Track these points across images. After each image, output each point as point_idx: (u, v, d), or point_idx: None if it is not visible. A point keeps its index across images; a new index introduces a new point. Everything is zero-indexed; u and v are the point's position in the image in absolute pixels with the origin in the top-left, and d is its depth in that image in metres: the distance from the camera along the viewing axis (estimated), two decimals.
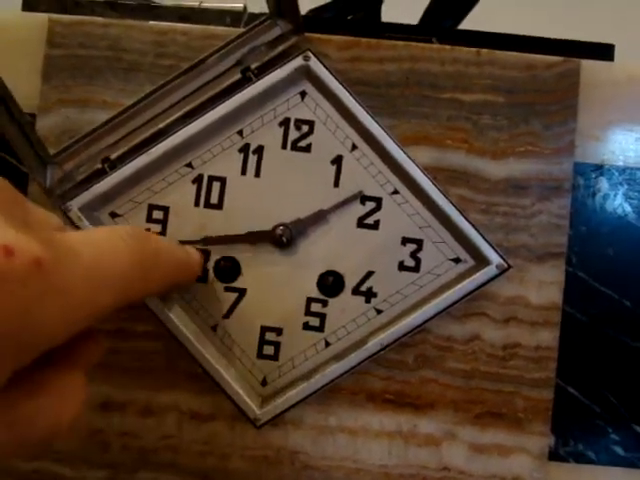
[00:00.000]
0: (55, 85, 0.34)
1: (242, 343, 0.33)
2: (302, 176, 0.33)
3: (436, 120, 0.34)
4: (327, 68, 0.33)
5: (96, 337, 0.22)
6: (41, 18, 0.34)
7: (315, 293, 0.33)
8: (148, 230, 0.33)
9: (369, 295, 0.33)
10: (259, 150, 0.34)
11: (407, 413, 0.34)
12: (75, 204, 0.32)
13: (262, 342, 0.33)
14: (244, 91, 0.33)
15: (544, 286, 0.34)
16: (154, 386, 0.34)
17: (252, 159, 0.34)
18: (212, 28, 0.35)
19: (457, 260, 0.33)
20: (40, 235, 0.16)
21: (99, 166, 0.33)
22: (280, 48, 0.33)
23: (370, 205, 0.33)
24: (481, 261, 0.33)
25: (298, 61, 0.33)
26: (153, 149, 0.33)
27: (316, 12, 0.39)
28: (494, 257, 0.32)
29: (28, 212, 0.17)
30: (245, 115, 0.33)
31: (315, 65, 0.33)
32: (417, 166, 0.33)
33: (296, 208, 0.33)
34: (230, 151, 0.34)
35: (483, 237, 0.32)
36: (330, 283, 0.33)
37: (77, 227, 0.32)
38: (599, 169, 0.34)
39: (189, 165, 0.34)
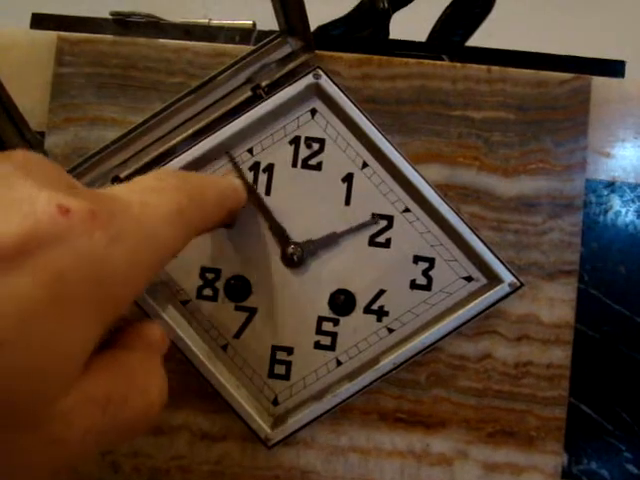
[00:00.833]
0: (64, 103, 0.34)
1: (253, 363, 0.33)
2: (313, 194, 0.33)
3: (447, 137, 0.34)
4: (337, 86, 0.33)
5: (160, 326, 0.22)
6: (50, 36, 0.34)
7: (326, 312, 0.33)
8: None
9: (381, 314, 0.33)
10: (269, 168, 0.33)
11: (419, 432, 0.34)
12: None
13: (273, 361, 0.33)
14: (254, 109, 0.33)
15: (556, 304, 0.33)
16: (166, 406, 0.34)
17: (262, 177, 0.33)
18: (222, 46, 0.35)
19: (469, 278, 0.33)
20: (87, 194, 0.17)
21: (109, 185, 0.33)
22: (290, 66, 0.33)
23: (381, 223, 0.33)
24: (493, 279, 0.33)
25: (308, 79, 0.33)
26: (163, 168, 0.33)
27: (324, 29, 0.39)
28: (506, 275, 0.32)
29: (69, 179, 0.17)
30: (255, 133, 0.33)
31: (325, 83, 0.33)
32: (428, 184, 0.32)
33: (307, 227, 0.33)
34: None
35: (495, 255, 0.32)
36: (341, 302, 0.33)
37: None
38: (611, 186, 0.34)
39: None
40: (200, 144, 0.33)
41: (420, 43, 0.35)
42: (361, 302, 0.33)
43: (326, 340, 0.33)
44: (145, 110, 0.34)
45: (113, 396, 0.17)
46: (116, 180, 0.33)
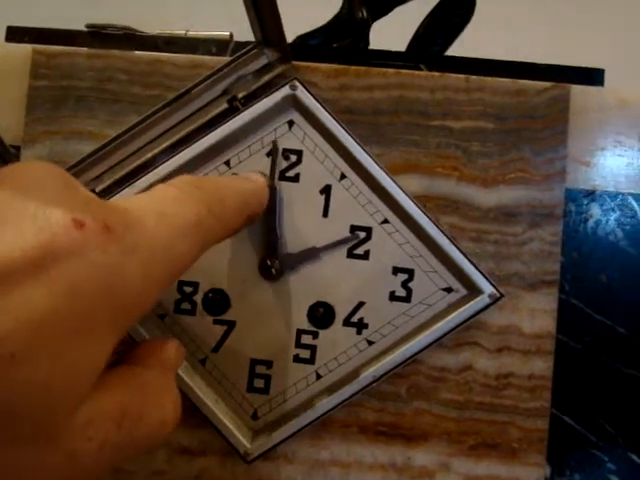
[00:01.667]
0: (39, 117, 0.34)
1: (232, 376, 0.33)
2: (290, 206, 0.33)
3: (426, 148, 0.34)
4: (315, 97, 0.32)
5: (176, 343, 0.22)
6: (25, 49, 0.34)
7: (305, 325, 0.33)
8: None
9: (360, 326, 0.33)
10: None
11: (400, 445, 0.33)
12: None
13: (252, 375, 0.33)
14: (231, 121, 0.32)
15: (537, 314, 0.33)
16: None
17: None
18: (198, 57, 0.34)
19: (449, 290, 0.33)
20: (102, 206, 0.17)
21: None
22: (267, 77, 0.33)
23: (360, 235, 0.33)
24: (473, 290, 0.32)
25: (285, 90, 0.32)
26: (139, 181, 0.32)
27: (303, 39, 0.38)
28: (486, 286, 0.32)
29: (84, 191, 0.17)
30: (232, 145, 0.33)
31: (302, 94, 0.32)
32: (407, 195, 0.32)
33: (285, 239, 0.33)
34: None
35: (475, 266, 0.32)
36: (320, 315, 0.33)
37: None
38: (591, 195, 0.34)
39: None
40: (176, 157, 0.32)
41: (398, 53, 0.35)
42: (340, 315, 0.33)
43: (305, 353, 0.33)
44: (122, 123, 0.33)
45: (128, 411, 0.17)
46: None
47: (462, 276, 0.32)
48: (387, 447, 0.33)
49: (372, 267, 0.33)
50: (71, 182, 0.17)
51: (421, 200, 0.33)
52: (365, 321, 0.33)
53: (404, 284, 0.33)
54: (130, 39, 0.35)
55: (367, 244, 0.33)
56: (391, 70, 0.34)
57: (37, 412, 0.14)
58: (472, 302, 0.32)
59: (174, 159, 0.32)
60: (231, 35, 0.35)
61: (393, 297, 0.33)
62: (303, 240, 0.33)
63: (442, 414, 0.33)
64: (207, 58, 0.34)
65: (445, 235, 0.32)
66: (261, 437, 0.32)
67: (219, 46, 0.35)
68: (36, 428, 0.15)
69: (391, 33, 0.42)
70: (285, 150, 0.33)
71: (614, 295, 0.34)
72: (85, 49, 0.34)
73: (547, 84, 0.34)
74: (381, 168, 0.32)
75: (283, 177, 0.33)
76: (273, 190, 0.32)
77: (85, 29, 0.35)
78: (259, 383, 0.33)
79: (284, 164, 0.33)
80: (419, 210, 0.32)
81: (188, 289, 0.33)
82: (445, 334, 0.32)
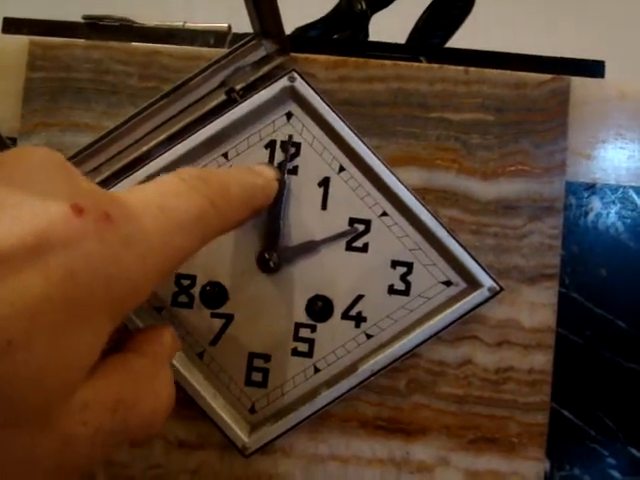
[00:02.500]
0: (36, 108, 0.34)
1: (229, 370, 0.33)
2: (289, 199, 0.33)
3: (425, 140, 0.33)
4: (313, 89, 0.32)
5: (172, 331, 0.22)
6: (22, 41, 0.34)
7: (304, 318, 0.33)
8: None
9: (359, 320, 0.33)
10: None
11: (399, 440, 0.33)
12: None
13: (250, 369, 0.33)
14: (229, 113, 0.32)
15: (537, 308, 0.33)
16: None
17: None
18: (196, 49, 0.34)
19: (448, 283, 0.33)
20: (103, 195, 0.17)
21: None
22: (265, 69, 0.33)
23: (359, 228, 0.33)
24: (472, 284, 0.32)
25: (283, 82, 0.32)
26: (137, 173, 0.32)
27: (302, 30, 0.38)
28: (485, 279, 0.32)
29: (86, 180, 0.17)
30: (230, 137, 0.33)
31: (301, 86, 0.32)
32: (406, 187, 0.32)
33: (283, 231, 0.32)
34: None
35: (474, 259, 0.32)
36: (319, 308, 0.33)
37: None
38: (591, 188, 0.34)
39: None
40: (174, 148, 0.32)
41: (397, 45, 0.35)
42: (339, 308, 0.33)
43: (304, 347, 0.33)
44: (119, 115, 0.33)
45: (123, 398, 0.17)
46: None
47: (461, 269, 0.32)
48: (386, 441, 0.33)
49: (371, 260, 0.33)
50: (71, 170, 0.17)
51: (420, 193, 0.33)
52: (364, 314, 0.33)
53: (403, 277, 0.33)
54: (127, 31, 0.35)
55: (366, 237, 0.33)
56: (390, 62, 0.34)
57: (33, 397, 0.14)
58: (471, 295, 0.32)
59: (172, 151, 0.32)
60: (229, 27, 0.35)
61: (392, 290, 0.33)
62: (301, 233, 0.32)
63: (441, 408, 0.33)
64: (205, 50, 0.34)
65: (444, 228, 0.32)
66: (259, 431, 0.32)
67: (217, 38, 0.35)
68: (32, 413, 0.15)
69: (391, 25, 0.42)
70: (283, 142, 0.33)
71: (614, 289, 0.34)
72: (82, 41, 0.34)
73: (547, 76, 0.34)
74: (380, 160, 0.32)
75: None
76: (282, 184, 0.32)
77: (82, 20, 0.34)
78: (257, 377, 0.33)
79: (283, 156, 0.33)
80: (418, 203, 0.32)
81: (186, 282, 0.33)
82: (444, 328, 0.32)
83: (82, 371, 0.16)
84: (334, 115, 0.32)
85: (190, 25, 0.35)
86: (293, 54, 0.33)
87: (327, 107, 0.32)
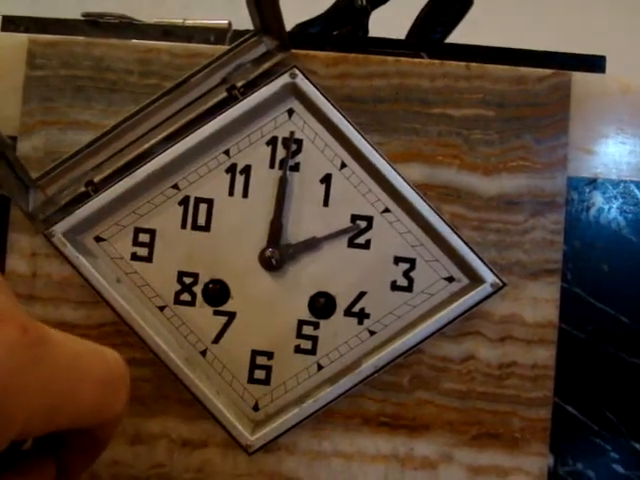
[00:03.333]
0: (36, 106, 0.34)
1: (232, 368, 0.33)
2: (290, 196, 0.33)
3: (426, 136, 0.33)
4: (314, 85, 0.32)
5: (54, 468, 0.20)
6: (21, 38, 0.34)
7: (306, 315, 0.33)
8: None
9: (361, 316, 0.32)
10: (246, 170, 0.33)
11: (403, 436, 0.33)
12: (59, 229, 0.31)
13: (253, 366, 0.33)
14: (230, 110, 0.32)
15: (539, 303, 0.33)
16: (143, 414, 0.33)
17: (239, 179, 0.33)
18: (197, 46, 0.34)
19: (451, 279, 0.32)
20: (24, 312, 0.16)
21: (83, 189, 0.32)
22: (266, 65, 0.33)
23: (361, 224, 0.33)
24: (475, 279, 0.32)
25: (285, 78, 0.32)
26: (138, 171, 0.32)
27: (303, 27, 0.38)
28: (488, 275, 0.32)
29: (11, 296, 0.17)
30: (231, 134, 0.33)
31: (302, 82, 0.32)
32: (408, 183, 0.32)
33: (285, 229, 0.32)
34: (217, 171, 0.33)
35: (477, 255, 0.32)
36: (321, 305, 0.32)
37: (61, 253, 0.31)
38: (593, 183, 0.34)
39: (175, 187, 0.33)
40: (175, 146, 0.32)
41: (398, 41, 0.35)
42: (341, 305, 0.33)
43: (307, 344, 0.33)
44: (119, 113, 0.33)
45: None
46: (90, 184, 0.32)
47: (464, 265, 0.32)
48: (390, 438, 0.33)
49: (373, 256, 0.33)
50: (3, 286, 0.17)
51: (422, 189, 0.33)
52: (366, 311, 0.32)
53: (405, 273, 0.33)
54: (127, 28, 0.35)
55: (368, 233, 0.33)
56: (391, 58, 0.33)
57: None
58: (474, 291, 0.32)
59: (173, 148, 0.32)
60: (229, 23, 0.35)
61: (395, 287, 0.32)
62: (303, 230, 0.32)
63: (444, 404, 0.33)
64: (205, 47, 0.34)
65: (447, 224, 0.32)
66: (262, 429, 0.32)
67: (217, 35, 0.35)
68: None
69: (391, 21, 0.42)
70: (285, 139, 0.33)
71: (617, 284, 0.34)
72: (82, 38, 0.34)
73: (548, 71, 0.33)
74: (382, 157, 0.32)
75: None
76: (284, 181, 0.32)
77: (82, 18, 0.34)
78: (260, 374, 0.33)
79: (284, 153, 0.33)
80: (420, 199, 0.32)
81: (188, 280, 0.33)
82: (447, 324, 0.32)
83: None
84: (336, 112, 0.32)
85: (190, 22, 0.35)
86: (294, 50, 0.33)
87: (329, 104, 0.32)
